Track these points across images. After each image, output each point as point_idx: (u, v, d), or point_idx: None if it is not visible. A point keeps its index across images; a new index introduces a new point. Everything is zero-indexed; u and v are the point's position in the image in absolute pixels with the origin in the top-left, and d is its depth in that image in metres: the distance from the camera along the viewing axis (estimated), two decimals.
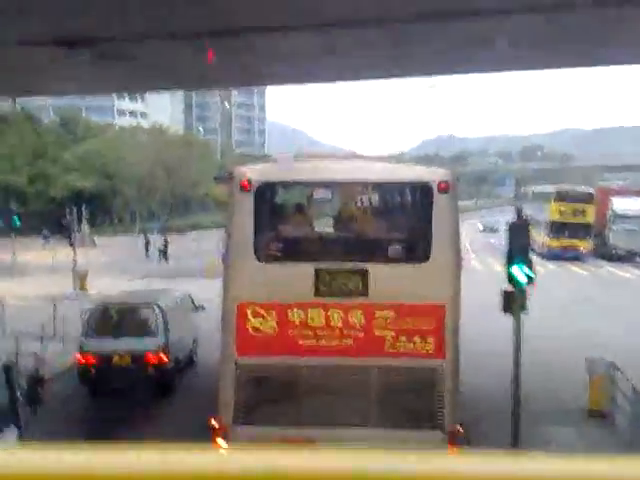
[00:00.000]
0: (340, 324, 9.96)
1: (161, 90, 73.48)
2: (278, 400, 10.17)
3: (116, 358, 17.14)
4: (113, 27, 15.95)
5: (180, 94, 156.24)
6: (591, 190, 57.15)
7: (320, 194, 11.57)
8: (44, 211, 67.16)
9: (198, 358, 20.31)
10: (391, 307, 9.97)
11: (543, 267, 48.86)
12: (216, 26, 16.00)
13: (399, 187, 11.29)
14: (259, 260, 10.20)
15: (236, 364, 10.06)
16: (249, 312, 9.96)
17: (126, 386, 17.22)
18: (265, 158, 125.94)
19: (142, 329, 17.83)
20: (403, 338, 9.95)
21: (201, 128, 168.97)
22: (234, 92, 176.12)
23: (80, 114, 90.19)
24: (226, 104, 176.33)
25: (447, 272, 10.13)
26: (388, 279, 10.05)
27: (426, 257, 10.16)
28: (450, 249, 10.18)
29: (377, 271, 10.04)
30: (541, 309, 21.96)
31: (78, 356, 17.49)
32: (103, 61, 17.58)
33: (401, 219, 11.80)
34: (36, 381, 9.01)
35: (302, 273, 10.03)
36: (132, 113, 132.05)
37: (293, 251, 10.73)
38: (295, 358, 10.05)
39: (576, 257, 52.17)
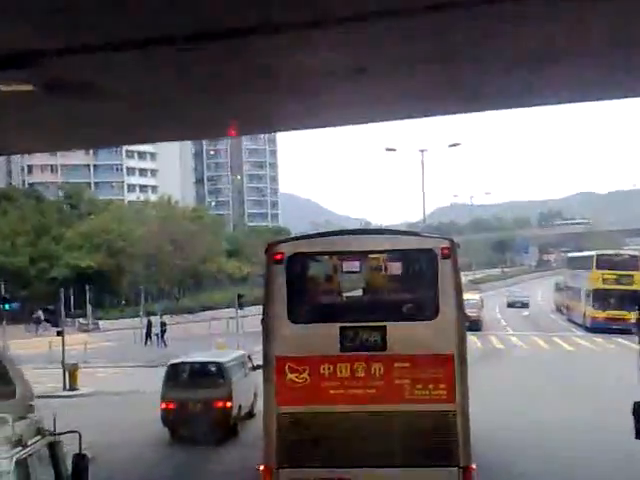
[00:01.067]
0: (364, 374, 11.33)
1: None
2: (315, 444, 11.34)
3: (191, 405, 20.97)
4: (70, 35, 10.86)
5: (191, 167, 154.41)
6: (636, 253, 52.86)
7: (345, 262, 12.93)
8: (48, 292, 63.60)
9: (257, 411, 21.27)
10: (407, 358, 11.32)
11: (593, 343, 45.62)
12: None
13: (409, 254, 12.59)
14: (293, 322, 11.57)
15: (277, 413, 11.39)
16: (286, 367, 11.35)
17: (199, 428, 19.96)
18: (279, 232, 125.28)
19: (211, 382, 21.83)
20: (419, 386, 11.25)
21: (213, 202, 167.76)
22: (245, 166, 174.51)
23: (85, 190, 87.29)
24: (237, 177, 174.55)
25: (452, 326, 11.47)
26: (403, 334, 11.44)
27: (435, 314, 11.50)
28: (454, 306, 11.54)
29: (393, 328, 11.43)
30: None
31: (162, 404, 21.13)
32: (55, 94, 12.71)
33: (412, 282, 13.17)
34: (79, 460, 8.39)
35: (329, 331, 11.42)
36: (143, 188, 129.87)
37: (321, 313, 12.24)
38: (327, 406, 11.34)
39: (624, 329, 45.78)
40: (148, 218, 76.71)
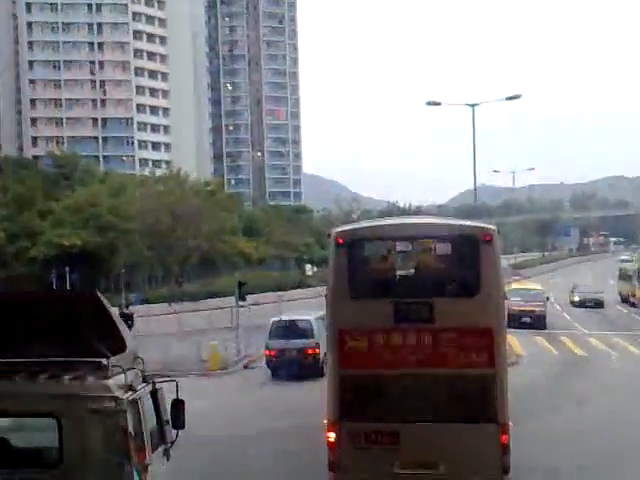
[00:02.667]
0: (414, 343, 12.82)
1: None
2: (371, 402, 12.98)
3: (287, 352, 28.35)
4: None
5: (208, 143, 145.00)
6: None
7: (397, 246, 14.10)
8: (28, 274, 54.72)
9: None
10: (452, 330, 12.75)
11: None
12: None
13: (454, 239, 13.72)
14: (353, 298, 13.06)
15: (339, 375, 13.07)
16: (347, 336, 13.02)
17: (293, 369, 27.58)
18: (301, 210, 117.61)
19: (303, 334, 28.86)
20: (462, 353, 12.68)
21: (232, 180, 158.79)
22: (266, 142, 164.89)
23: (79, 158, 77.76)
24: (258, 154, 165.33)
25: (493, 303, 12.83)
26: (448, 309, 12.81)
27: (477, 292, 12.86)
28: (494, 286, 12.91)
29: (440, 303, 12.85)
30: None
31: (265, 351, 29.76)
32: None
33: (456, 263, 14.22)
34: (177, 405, 10.05)
35: (384, 306, 12.92)
36: (156, 163, 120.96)
37: (377, 290, 13.48)
38: (382, 370, 12.94)
39: None
40: (151, 192, 67.29)
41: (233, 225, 76.73)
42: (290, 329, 29.17)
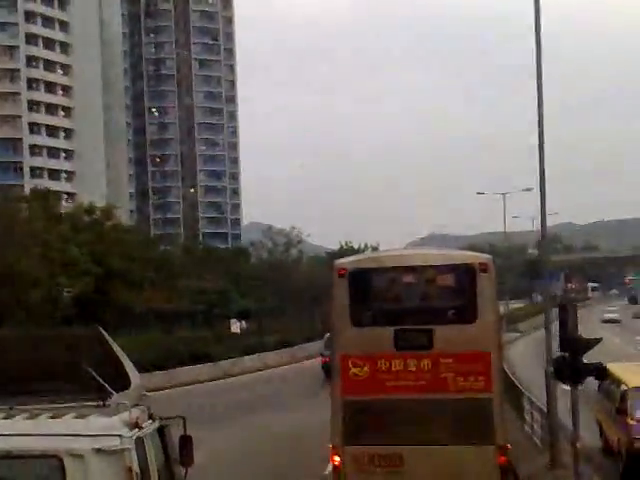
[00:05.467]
0: (414, 369, 13.37)
1: None
2: (373, 426, 13.40)
3: None
4: None
5: (126, 173, 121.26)
6: None
7: (397, 275, 14.39)
8: None
9: None
10: (451, 355, 13.29)
11: None
12: None
13: (452, 268, 14.27)
14: (354, 325, 13.61)
15: (342, 401, 13.50)
16: (350, 363, 13.47)
17: None
18: (238, 254, 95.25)
19: None
20: (461, 378, 13.23)
21: (160, 219, 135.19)
22: (199, 176, 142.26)
23: None
24: (190, 189, 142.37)
25: (490, 329, 13.48)
26: (447, 335, 13.37)
27: (474, 318, 13.40)
28: (491, 312, 13.62)
29: (439, 330, 13.39)
30: None
31: (319, 358, 38.85)
32: None
33: (455, 291, 14.62)
34: (185, 441, 9.75)
35: (386, 334, 13.45)
36: (53, 175, 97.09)
37: (378, 318, 14.01)
38: (384, 395, 13.38)
39: None
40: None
41: (125, 267, 53.81)
42: None
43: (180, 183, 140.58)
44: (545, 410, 18.74)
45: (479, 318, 13.32)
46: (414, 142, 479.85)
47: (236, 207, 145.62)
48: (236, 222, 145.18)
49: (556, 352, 16.13)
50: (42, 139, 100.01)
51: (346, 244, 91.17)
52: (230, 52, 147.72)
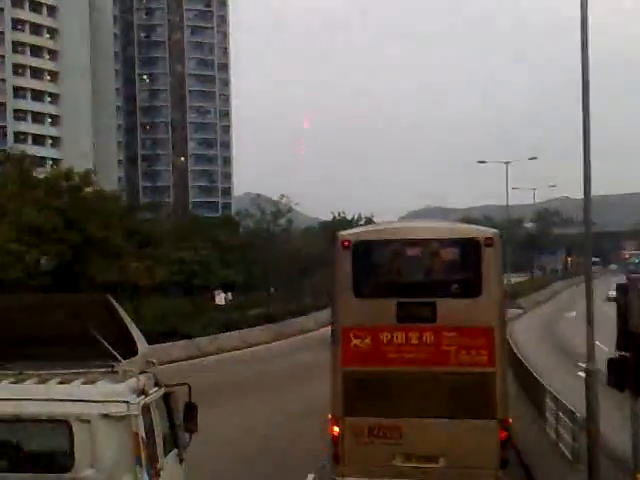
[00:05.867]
0: (416, 342, 13.24)
1: None
2: (374, 398, 13.30)
3: None
4: None
5: (115, 140, 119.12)
6: None
7: (401, 248, 14.13)
8: None
9: None
10: (454, 329, 13.17)
11: None
12: None
13: (457, 241, 14.11)
14: (357, 296, 13.53)
15: (342, 372, 13.45)
16: (351, 334, 13.41)
17: None
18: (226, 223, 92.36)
19: None
20: (463, 352, 13.11)
21: (148, 187, 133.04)
22: (190, 144, 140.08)
23: None
24: (181, 158, 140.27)
25: (494, 304, 13.32)
26: (451, 309, 13.22)
27: (478, 293, 13.26)
28: (496, 287, 13.36)
29: (443, 303, 13.29)
30: None
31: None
32: None
33: (459, 265, 14.41)
34: (190, 409, 9.86)
35: (388, 305, 13.33)
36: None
37: (381, 290, 13.82)
38: (385, 367, 13.31)
39: None
40: None
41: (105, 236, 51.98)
42: None
43: (170, 151, 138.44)
44: (576, 414, 15.79)
45: (483, 293, 13.21)
46: (415, 115, 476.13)
47: (227, 176, 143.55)
48: (227, 191, 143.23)
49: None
50: (27, 103, 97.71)
51: (339, 215, 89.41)
52: (223, 19, 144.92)
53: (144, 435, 8.30)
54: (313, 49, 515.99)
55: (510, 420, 13.21)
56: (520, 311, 60.18)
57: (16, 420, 8.28)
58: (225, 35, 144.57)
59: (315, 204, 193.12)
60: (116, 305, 8.92)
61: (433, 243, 13.97)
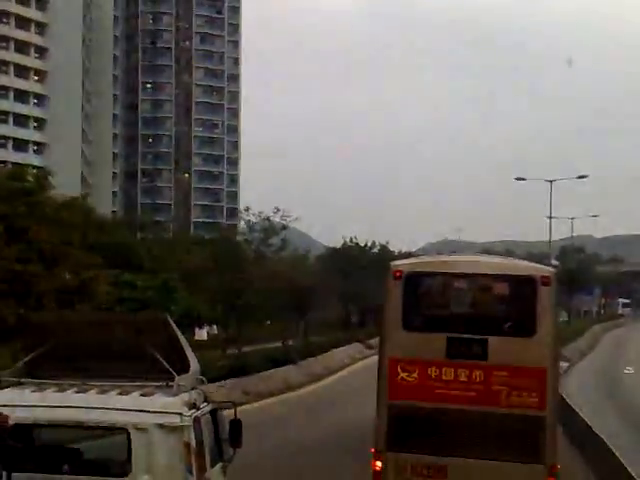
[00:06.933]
0: (466, 379, 13.03)
1: None
2: (419, 434, 13.05)
3: None
4: None
5: (111, 151, 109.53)
6: None
7: (454, 282, 14.09)
8: None
9: None
10: (505, 368, 12.98)
11: None
12: None
13: (512, 278, 13.89)
14: (406, 329, 13.44)
15: (388, 405, 13.33)
16: (398, 367, 13.28)
17: None
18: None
19: None
20: (514, 393, 12.85)
21: (148, 205, 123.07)
22: (195, 159, 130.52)
23: None
24: (185, 174, 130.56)
25: (548, 344, 13.09)
26: (503, 348, 13.03)
27: (532, 332, 13.07)
28: (550, 327, 13.15)
29: (494, 341, 13.05)
30: None
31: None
32: None
33: (513, 302, 14.20)
34: (235, 425, 10.40)
35: (438, 340, 13.16)
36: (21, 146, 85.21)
37: (431, 323, 13.79)
38: (432, 403, 13.07)
39: None
40: None
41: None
42: None
43: (173, 166, 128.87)
44: None
45: (537, 332, 13.17)
46: (426, 141, 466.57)
47: (234, 196, 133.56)
48: (233, 212, 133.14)
49: None
50: (9, 104, 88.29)
51: (350, 240, 79.66)
52: (235, 27, 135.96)
53: (195, 446, 8.90)
54: (332, 67, 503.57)
55: (558, 466, 13.02)
56: (566, 365, 46.90)
57: (79, 427, 9.10)
58: (236, 44, 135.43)
59: (324, 229, 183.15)
60: (173, 324, 9.55)
61: (488, 278, 14.08)
